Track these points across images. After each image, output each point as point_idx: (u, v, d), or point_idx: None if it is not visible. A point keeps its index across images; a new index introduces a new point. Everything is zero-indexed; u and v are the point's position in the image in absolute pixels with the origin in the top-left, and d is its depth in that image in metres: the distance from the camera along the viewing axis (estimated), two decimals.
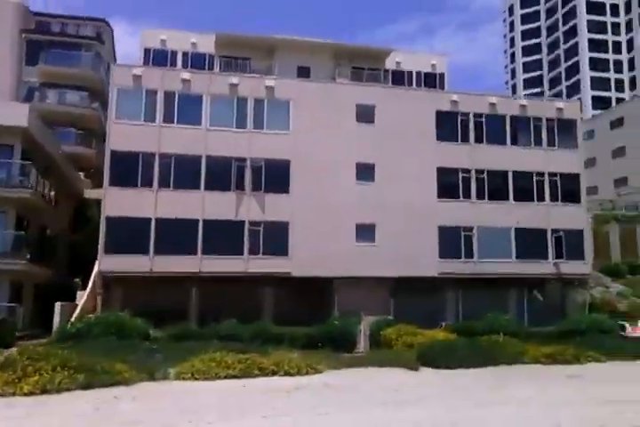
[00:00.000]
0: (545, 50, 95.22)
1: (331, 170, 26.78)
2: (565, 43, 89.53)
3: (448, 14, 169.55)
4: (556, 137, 29.58)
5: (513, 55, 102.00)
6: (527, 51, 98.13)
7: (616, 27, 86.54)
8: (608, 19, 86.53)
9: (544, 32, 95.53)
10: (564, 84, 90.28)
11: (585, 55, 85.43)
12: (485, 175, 28.61)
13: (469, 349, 18.82)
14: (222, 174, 25.31)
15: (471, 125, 28.76)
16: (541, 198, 29.07)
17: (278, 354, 16.87)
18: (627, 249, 43.85)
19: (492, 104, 29.02)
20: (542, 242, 28.74)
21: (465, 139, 28.69)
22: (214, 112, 25.42)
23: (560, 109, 29.63)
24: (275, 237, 25.79)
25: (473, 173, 28.47)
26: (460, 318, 27.67)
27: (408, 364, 17.90)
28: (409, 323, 24.55)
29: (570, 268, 28.86)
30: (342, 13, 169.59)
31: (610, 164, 54.52)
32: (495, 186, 28.70)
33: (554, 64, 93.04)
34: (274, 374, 15.23)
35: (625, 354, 19.66)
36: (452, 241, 27.81)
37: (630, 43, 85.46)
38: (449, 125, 28.43)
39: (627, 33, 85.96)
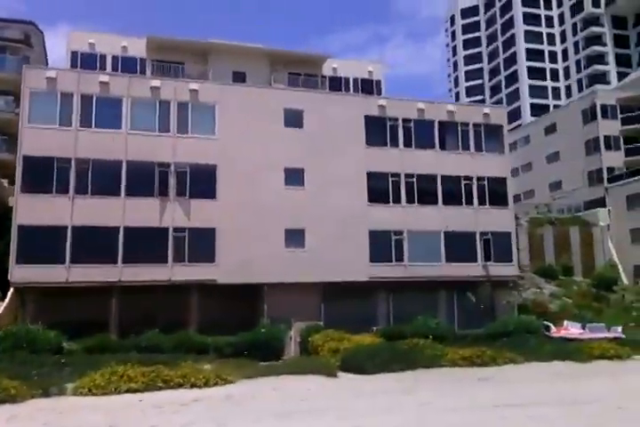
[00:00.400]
0: (485, 59, 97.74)
1: (259, 175, 26.40)
2: (504, 52, 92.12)
3: (396, 24, 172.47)
4: (483, 142, 30.15)
5: (455, 64, 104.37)
6: (469, 59, 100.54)
7: (552, 37, 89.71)
8: (544, 29, 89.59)
9: (484, 41, 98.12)
10: (504, 91, 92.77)
11: (523, 64, 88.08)
12: (415, 179, 28.83)
13: (390, 353, 18.69)
14: (144, 180, 24.56)
15: (400, 130, 28.96)
16: (470, 202, 29.50)
17: (187, 365, 16.26)
18: (560, 251, 45.15)
19: (421, 109, 29.33)
20: (471, 245, 29.13)
21: (394, 143, 28.86)
22: (135, 116, 24.69)
23: (486, 115, 30.24)
24: (201, 244, 25.18)
25: (402, 177, 28.64)
26: (391, 321, 27.66)
27: (327, 371, 17.63)
28: (340, 328, 24.39)
29: (498, 270, 29.35)
30: (294, 21, 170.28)
31: (545, 168, 56.16)
32: (425, 190, 28.96)
33: (494, 72, 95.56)
34: (180, 386, 14.63)
35: (544, 355, 19.91)
36: (383, 245, 27.83)
37: (565, 53, 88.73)
38: (378, 130, 28.55)
39: (562, 43, 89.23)
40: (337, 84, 40.80)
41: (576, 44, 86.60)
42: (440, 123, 29.62)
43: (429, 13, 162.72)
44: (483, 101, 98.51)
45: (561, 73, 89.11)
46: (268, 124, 26.84)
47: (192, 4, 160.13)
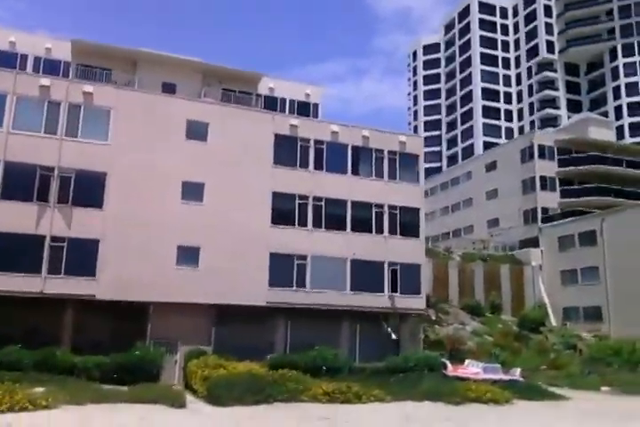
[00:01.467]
0: (444, 95, 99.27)
1: (154, 187, 24.91)
2: (462, 90, 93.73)
3: (375, 58, 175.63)
4: (398, 170, 29.39)
5: (416, 98, 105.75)
6: (428, 95, 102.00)
7: (508, 78, 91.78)
8: (500, 70, 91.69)
9: (443, 78, 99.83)
10: (460, 128, 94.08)
11: (479, 103, 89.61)
12: (323, 203, 27.74)
13: (249, 385, 17.11)
14: (23, 183, 22.82)
15: (311, 152, 28.00)
16: (380, 231, 28.50)
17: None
18: (490, 288, 44.52)
19: (335, 132, 28.49)
20: (378, 275, 28.00)
21: (304, 165, 27.84)
22: (19, 114, 23.08)
23: (403, 143, 29.58)
24: (81, 256, 23.39)
25: (311, 200, 27.53)
26: (288, 350, 26.05)
27: (175, 400, 15.93)
28: (231, 355, 22.82)
29: (405, 302, 28.20)
30: (277, 49, 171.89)
31: (484, 204, 56.08)
32: (333, 215, 27.87)
33: (451, 109, 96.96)
34: None
35: (418, 394, 18.54)
36: (284, 269, 26.46)
37: (520, 94, 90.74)
38: (288, 150, 27.52)
39: (517, 85, 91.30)
40: (272, 104, 39.93)
41: (530, 87, 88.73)
42: (354, 147, 28.79)
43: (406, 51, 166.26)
44: (439, 137, 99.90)
45: (515, 114, 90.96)
46: (168, 134, 25.52)
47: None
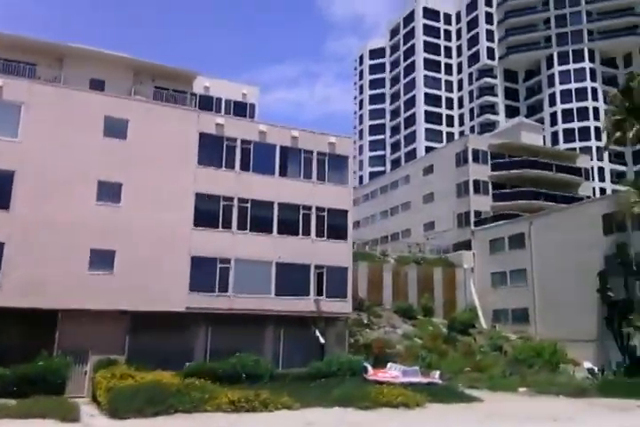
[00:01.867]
0: (388, 100, 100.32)
1: (67, 186, 23.70)
2: (405, 95, 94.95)
3: (328, 62, 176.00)
4: (327, 172, 29.13)
5: (361, 102, 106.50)
6: (373, 99, 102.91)
7: (450, 84, 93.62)
8: (443, 76, 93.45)
9: (388, 83, 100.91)
10: (403, 133, 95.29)
11: (421, 108, 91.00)
12: (249, 205, 27.16)
13: (150, 395, 16.35)
14: None
15: (238, 152, 27.38)
16: (307, 233, 28.15)
17: None
18: (423, 291, 44.92)
19: (262, 132, 27.97)
20: (304, 278, 27.64)
21: (230, 165, 27.19)
22: None
23: (332, 144, 29.35)
24: None
25: (236, 201, 26.89)
26: (208, 358, 25.28)
27: (66, 414, 15.00)
28: (147, 363, 21.92)
29: (331, 306, 27.91)
30: (230, 52, 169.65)
31: (421, 208, 56.75)
32: (259, 217, 27.32)
33: (395, 114, 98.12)
34: None
35: (330, 400, 18.22)
36: (206, 273, 25.69)
37: (461, 100, 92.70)
38: (213, 150, 26.81)
39: (458, 90, 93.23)
40: (207, 103, 39.01)
41: (471, 93, 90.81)
42: (282, 148, 28.35)
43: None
44: (383, 141, 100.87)
45: (456, 119, 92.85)
46: (84, 131, 24.36)
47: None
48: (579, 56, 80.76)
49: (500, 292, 44.78)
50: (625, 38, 79.46)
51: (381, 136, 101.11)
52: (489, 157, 51.26)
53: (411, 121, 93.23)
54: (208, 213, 26.18)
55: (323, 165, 29.09)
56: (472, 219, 49.90)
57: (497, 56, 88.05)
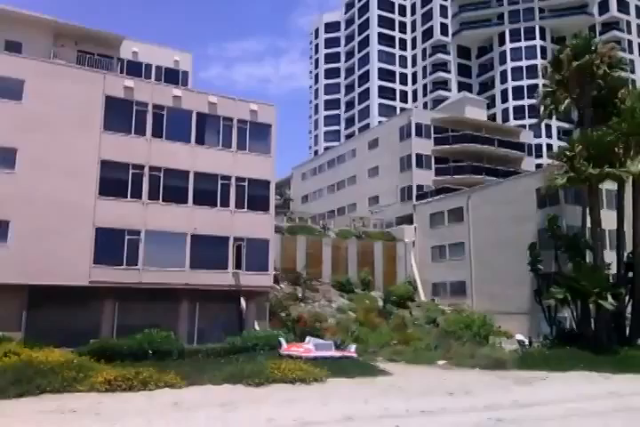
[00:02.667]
0: (343, 74, 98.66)
1: None
2: (359, 69, 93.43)
3: (294, 39, 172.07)
4: (248, 140, 27.77)
5: (317, 77, 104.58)
6: (329, 73, 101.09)
7: (404, 59, 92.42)
8: (397, 51, 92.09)
9: (343, 57, 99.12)
10: (357, 108, 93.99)
11: (375, 83, 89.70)
12: (162, 174, 25.66)
13: (21, 374, 15.05)
14: None
15: (149, 117, 25.73)
16: (226, 204, 26.87)
17: None
18: (363, 265, 44.38)
19: (177, 97, 26.36)
20: (222, 251, 26.44)
21: (140, 131, 25.57)
22: None
23: (254, 112, 27.94)
24: None
25: (147, 170, 25.36)
26: (115, 334, 24.01)
27: None
28: (48, 341, 20.43)
29: (252, 279, 26.87)
30: (193, 24, 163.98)
31: (367, 182, 55.99)
32: (173, 187, 25.90)
33: (349, 89, 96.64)
34: None
35: (223, 376, 17.22)
36: (113, 245, 24.24)
37: (415, 76, 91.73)
38: (121, 115, 25.11)
39: (412, 66, 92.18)
40: (136, 69, 36.85)
41: (424, 69, 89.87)
42: (199, 114, 26.82)
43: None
44: (338, 116, 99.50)
45: (409, 95, 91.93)
46: None
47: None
48: (530, 34, 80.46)
49: (439, 265, 44.65)
50: (576, 17, 79.48)
51: (336, 111, 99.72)
52: (432, 132, 50.60)
53: (365, 96, 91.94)
54: (115, 181, 24.62)
55: (244, 133, 27.71)
56: (414, 193, 49.43)
57: (450, 32, 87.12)
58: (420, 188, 49.73)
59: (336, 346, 26.12)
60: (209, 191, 26.49)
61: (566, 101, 32.26)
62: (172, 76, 38.11)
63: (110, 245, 24.12)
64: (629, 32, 77.40)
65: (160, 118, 25.89)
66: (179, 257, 25.40)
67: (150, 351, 22.44)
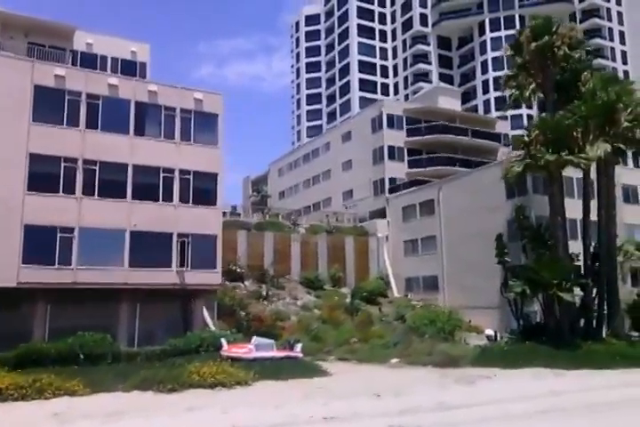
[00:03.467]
0: (324, 68, 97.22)
1: None
2: (340, 62, 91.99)
3: (284, 36, 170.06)
4: (193, 131, 26.41)
5: (298, 71, 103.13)
6: (310, 67, 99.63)
7: (384, 51, 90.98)
8: (377, 43, 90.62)
9: (324, 50, 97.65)
10: (339, 101, 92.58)
11: (355, 76, 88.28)
12: (98, 167, 24.28)
13: None
14: None
15: (83, 108, 24.33)
16: (169, 198, 25.52)
17: None
18: (333, 260, 43.12)
19: (113, 86, 24.97)
20: (165, 248, 25.10)
21: (73, 123, 24.16)
22: None
23: (199, 101, 26.57)
24: None
25: (80, 163, 23.98)
26: (47, 338, 22.65)
27: None
28: None
29: (198, 277, 25.53)
30: (185, 23, 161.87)
31: (341, 176, 54.67)
32: (110, 181, 24.52)
33: (330, 82, 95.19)
34: None
35: (138, 381, 15.96)
36: (44, 244, 22.88)
37: (396, 68, 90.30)
38: (52, 105, 23.70)
39: (393, 58, 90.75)
40: (90, 61, 35.39)
41: (405, 61, 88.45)
42: (138, 104, 25.44)
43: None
44: (320, 111, 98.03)
45: (391, 87, 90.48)
46: None
47: None
48: (510, 22, 78.87)
49: (412, 260, 43.42)
50: (555, 4, 78.10)
51: (319, 106, 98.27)
52: (404, 123, 49.25)
53: (346, 89, 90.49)
54: (46, 176, 23.24)
55: (188, 123, 26.34)
56: (387, 186, 48.13)
57: (430, 22, 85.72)
58: (393, 181, 48.42)
59: (289, 345, 25.02)
60: (150, 185, 25.14)
61: (531, 87, 31.07)
62: (130, 68, 36.63)
63: (41, 243, 22.76)
64: (610, 19, 76.14)
65: (95, 108, 24.49)
66: (117, 255, 24.05)
67: (82, 355, 21.21)
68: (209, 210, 26.23)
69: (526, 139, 26.10)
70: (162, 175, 25.43)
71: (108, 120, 24.67)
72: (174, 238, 25.28)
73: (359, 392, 14.85)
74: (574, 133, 25.25)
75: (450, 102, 53.08)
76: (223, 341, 22.02)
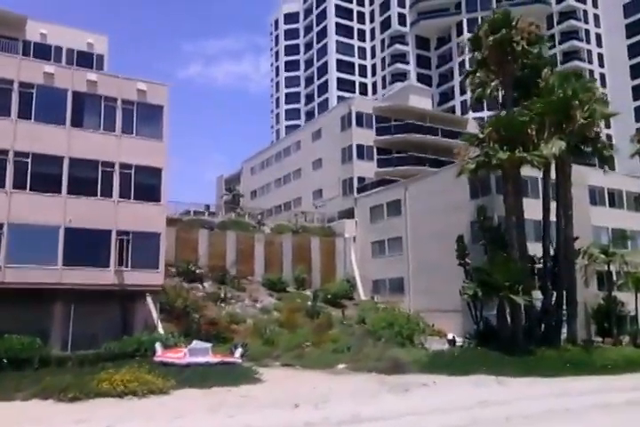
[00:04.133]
0: (302, 66, 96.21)
1: None
2: (318, 61, 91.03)
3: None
4: (135, 123, 25.13)
5: (278, 69, 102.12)
6: (289, 66, 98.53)
7: (363, 51, 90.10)
8: (356, 42, 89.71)
9: (302, 49, 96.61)
10: (317, 100, 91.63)
11: (333, 75, 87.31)
12: (30, 160, 22.91)
13: None
14: None
15: (15, 97, 22.97)
16: (108, 193, 24.20)
17: None
18: (298, 261, 41.97)
19: (49, 74, 23.63)
20: (103, 246, 23.78)
21: (4, 112, 22.80)
22: None
23: (143, 92, 25.29)
24: None
25: (11, 155, 22.64)
26: None
27: None
28: None
29: (139, 277, 24.25)
30: (170, 22, 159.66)
31: (311, 175, 53.57)
32: (44, 174, 23.21)
33: (309, 81, 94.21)
34: None
35: (40, 390, 14.65)
36: None
37: (374, 67, 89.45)
38: None
39: (372, 58, 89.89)
40: (44, 52, 34.01)
41: (383, 60, 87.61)
42: (76, 94, 24.11)
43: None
44: (298, 110, 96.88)
45: (369, 87, 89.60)
46: None
47: None
48: None
49: (379, 261, 42.43)
50: (532, 6, 77.57)
51: (297, 105, 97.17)
52: (374, 121, 48.26)
53: (324, 89, 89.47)
54: None
55: (130, 115, 25.05)
56: (355, 186, 47.11)
57: (408, 22, 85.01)
58: (361, 180, 47.40)
59: (233, 350, 23.92)
60: (88, 179, 23.85)
61: (493, 84, 30.27)
62: (86, 60, 35.35)
63: None
64: (586, 21, 75.89)
65: (28, 97, 23.15)
66: (50, 253, 22.71)
67: (5, 360, 19.87)
68: (152, 207, 24.96)
69: (480, 136, 25.17)
70: (101, 169, 24.15)
71: (43, 110, 23.36)
72: (113, 236, 23.98)
73: (279, 402, 13.74)
74: (529, 131, 24.39)
75: (421, 101, 52.23)
76: (157, 345, 20.79)
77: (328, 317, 34.59)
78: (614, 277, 36.22)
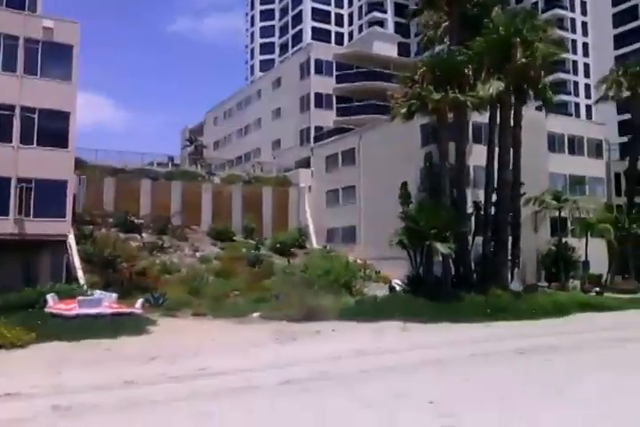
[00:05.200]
0: (277, 15, 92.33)
1: None
2: (293, 9, 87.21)
3: None
4: (40, 64, 23.21)
5: (252, 18, 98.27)
6: (264, 16, 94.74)
7: (340, 17, 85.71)
8: (333, 9, 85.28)
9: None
10: (290, 51, 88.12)
11: (308, 24, 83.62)
12: None
13: None
14: None
15: None
16: (7, 139, 22.60)
17: None
18: (249, 211, 40.68)
19: None
20: (2, 194, 22.33)
21: None
22: None
23: (49, 30, 23.25)
24: None
25: None
26: None
27: None
28: None
29: (43, 227, 22.94)
30: None
31: (270, 125, 51.73)
32: None
33: (284, 31, 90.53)
34: None
35: None
36: None
37: (351, 35, 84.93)
38: None
39: (349, 25, 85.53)
40: None
41: (360, 9, 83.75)
42: None
43: None
44: (272, 61, 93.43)
45: (345, 36, 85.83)
46: None
47: None
48: None
49: (333, 210, 41.39)
50: None
51: (271, 55, 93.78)
52: (334, 69, 46.02)
53: (298, 39, 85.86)
54: None
55: (34, 54, 23.10)
56: (312, 135, 45.38)
57: None
58: (319, 129, 45.67)
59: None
60: None
61: (443, 25, 28.33)
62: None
63: None
64: (572, 10, 71.61)
65: None
66: None
67: None
68: (58, 153, 23.39)
69: (416, 77, 23.40)
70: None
71: None
72: (13, 183, 22.51)
73: (139, 356, 12.71)
74: (466, 71, 22.63)
75: (386, 48, 49.72)
76: (49, 297, 19.68)
77: (270, 265, 33.56)
78: (569, 224, 35.43)
